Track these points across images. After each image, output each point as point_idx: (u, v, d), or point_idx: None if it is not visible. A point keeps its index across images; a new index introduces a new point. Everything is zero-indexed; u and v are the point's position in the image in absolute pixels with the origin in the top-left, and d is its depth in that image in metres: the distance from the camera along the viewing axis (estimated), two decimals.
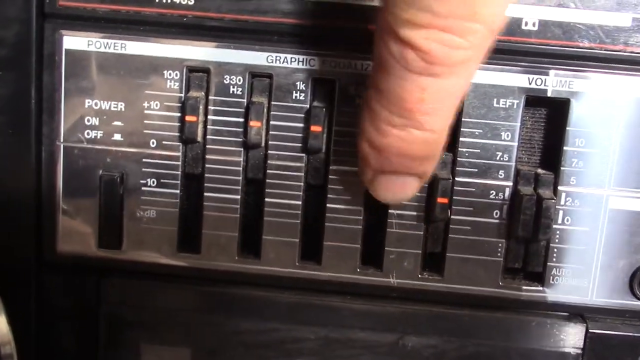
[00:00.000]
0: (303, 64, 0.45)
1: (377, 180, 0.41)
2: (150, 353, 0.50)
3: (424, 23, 0.34)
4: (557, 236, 0.46)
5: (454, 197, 0.46)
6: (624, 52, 0.44)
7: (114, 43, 0.46)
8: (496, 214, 0.46)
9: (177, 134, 0.46)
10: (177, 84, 0.46)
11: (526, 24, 0.43)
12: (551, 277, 0.47)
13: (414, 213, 0.46)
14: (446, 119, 0.38)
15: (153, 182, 0.47)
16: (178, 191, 0.47)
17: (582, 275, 0.47)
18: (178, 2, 0.45)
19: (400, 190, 0.42)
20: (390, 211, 0.46)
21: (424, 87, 0.36)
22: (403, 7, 0.34)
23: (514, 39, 0.44)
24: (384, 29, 0.36)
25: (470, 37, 0.34)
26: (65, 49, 0.46)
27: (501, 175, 0.45)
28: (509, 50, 0.44)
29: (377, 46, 0.37)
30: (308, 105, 0.45)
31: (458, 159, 0.45)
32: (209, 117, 0.46)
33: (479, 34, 0.35)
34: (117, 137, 0.47)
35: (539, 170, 0.45)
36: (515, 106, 0.45)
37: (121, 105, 0.46)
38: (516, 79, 0.44)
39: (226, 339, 0.49)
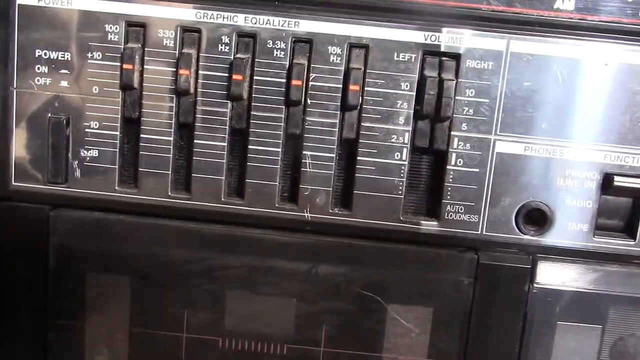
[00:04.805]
0: (228, 20, 0.51)
1: None
2: (94, 281, 0.56)
3: None
4: (451, 176, 0.52)
5: (360, 141, 0.52)
6: (507, 12, 0.50)
7: None
8: (397, 155, 0.52)
9: (117, 81, 0.52)
10: (117, 36, 0.52)
11: None
12: (446, 214, 0.52)
13: (326, 154, 0.52)
14: None
15: (96, 125, 0.53)
16: (118, 133, 0.53)
17: (473, 212, 0.52)
18: None
19: None
20: (304, 152, 0.52)
21: None
22: None
23: (412, 0, 0.50)
24: None
25: None
26: (18, 4, 0.52)
27: (401, 121, 0.51)
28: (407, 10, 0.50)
29: None
30: (232, 57, 0.51)
31: (364, 106, 0.51)
32: (145, 66, 0.52)
33: None
34: (64, 83, 0.52)
35: (443, 58, 0.50)
36: (413, 60, 0.51)
37: (68, 55, 0.52)
38: (413, 35, 0.50)
39: (161, 267, 0.55)
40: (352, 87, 0.50)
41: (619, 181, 0.51)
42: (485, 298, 0.53)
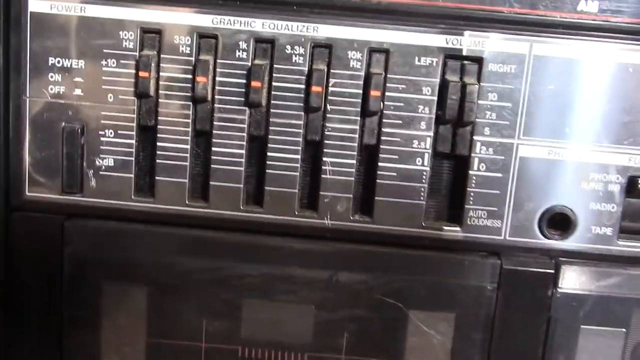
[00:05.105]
0: (245, 26, 0.50)
1: None
2: (110, 291, 0.55)
3: None
4: (473, 182, 0.51)
5: (381, 147, 0.51)
6: (530, 15, 0.49)
7: (74, 6, 0.50)
8: (418, 161, 0.51)
9: (132, 89, 0.51)
10: (131, 43, 0.51)
11: None
12: (468, 219, 0.52)
13: (346, 161, 0.51)
14: None
15: (111, 133, 0.52)
16: (133, 141, 0.52)
17: (496, 217, 0.52)
18: None
19: None
20: (324, 159, 0.51)
21: None
22: None
23: (433, 4, 0.49)
24: None
25: None
26: (31, 12, 0.51)
27: (422, 126, 0.51)
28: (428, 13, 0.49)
29: None
30: (250, 63, 0.50)
31: (384, 111, 0.50)
32: (161, 73, 0.51)
33: None
34: (78, 92, 0.51)
35: (465, 61, 0.50)
36: (434, 64, 0.50)
37: (81, 63, 0.51)
38: (434, 39, 0.49)
39: (178, 277, 0.54)
40: (372, 92, 0.50)
41: None
42: (508, 303, 0.53)
